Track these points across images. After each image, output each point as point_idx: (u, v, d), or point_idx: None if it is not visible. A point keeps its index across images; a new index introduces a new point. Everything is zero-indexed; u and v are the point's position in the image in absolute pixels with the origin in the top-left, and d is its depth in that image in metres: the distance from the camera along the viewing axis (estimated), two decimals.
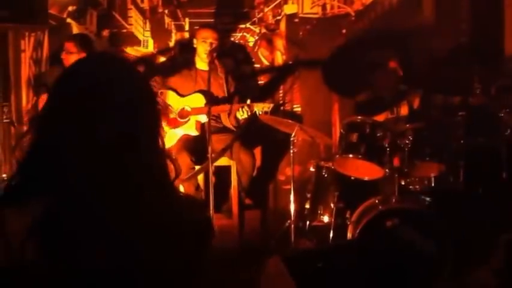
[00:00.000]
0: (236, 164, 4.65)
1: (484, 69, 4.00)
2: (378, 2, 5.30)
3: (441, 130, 3.88)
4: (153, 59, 5.47)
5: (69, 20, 5.21)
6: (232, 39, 5.64)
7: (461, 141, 3.68)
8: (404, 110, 4.38)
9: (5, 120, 3.61)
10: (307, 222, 4.28)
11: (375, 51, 4.61)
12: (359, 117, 3.99)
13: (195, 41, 4.76)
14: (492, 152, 3.91)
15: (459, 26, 4.85)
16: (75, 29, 5.29)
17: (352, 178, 4.10)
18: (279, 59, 5.58)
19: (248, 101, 4.47)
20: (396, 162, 3.84)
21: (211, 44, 4.61)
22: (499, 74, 4.07)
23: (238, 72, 5.29)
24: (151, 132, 1.23)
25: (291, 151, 4.19)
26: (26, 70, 4.41)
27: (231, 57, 5.40)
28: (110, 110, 1.17)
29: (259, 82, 5.59)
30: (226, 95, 4.78)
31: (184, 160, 4.42)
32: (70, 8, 5.24)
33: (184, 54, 5.28)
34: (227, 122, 4.72)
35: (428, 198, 3.81)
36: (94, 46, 4.82)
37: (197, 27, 5.03)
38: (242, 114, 4.48)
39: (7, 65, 3.99)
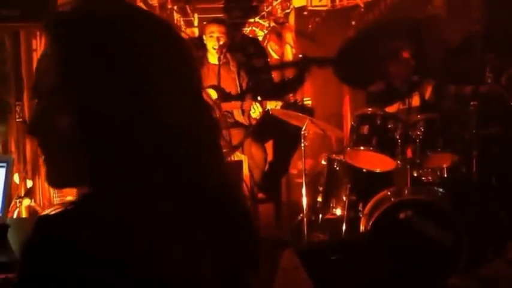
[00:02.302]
0: (248, 158, 4.66)
1: (497, 58, 3.96)
2: None
3: (453, 120, 3.86)
4: None
5: None
6: (243, 33, 5.64)
7: (474, 131, 3.64)
8: (416, 101, 4.35)
9: (17, 120, 3.64)
10: (320, 216, 4.27)
11: (387, 42, 4.58)
12: (370, 109, 3.98)
13: (204, 37, 4.77)
14: (505, 142, 3.88)
15: (471, 14, 4.80)
16: None
17: (364, 170, 4.08)
18: (289, 52, 5.56)
19: (259, 98, 4.49)
20: (408, 153, 3.82)
21: (218, 38, 4.61)
22: None
23: (250, 65, 5.29)
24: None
25: (302, 144, 4.18)
26: None
27: (243, 51, 5.40)
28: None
29: (271, 76, 5.59)
30: (238, 89, 4.78)
31: None
32: None
33: (195, 50, 5.29)
34: (240, 118, 4.74)
35: (441, 189, 3.79)
36: None
37: (205, 23, 5.04)
38: (254, 112, 4.50)
39: (19, 64, 4.02)
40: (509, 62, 3.95)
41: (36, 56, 4.42)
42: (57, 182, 0.97)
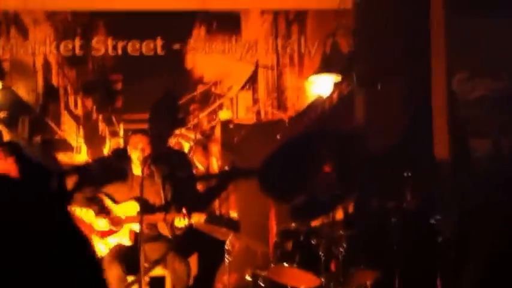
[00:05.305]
0: (171, 273, 4.49)
1: (415, 174, 4.08)
2: (311, 108, 5.46)
3: (375, 236, 3.89)
4: (86, 167, 5.36)
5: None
6: (168, 144, 5.63)
7: (395, 247, 3.68)
8: (340, 214, 4.39)
9: None
10: None
11: (309, 156, 4.67)
12: (293, 224, 3.98)
13: (128, 147, 4.72)
14: (426, 257, 3.92)
15: (390, 131, 4.98)
16: (6, 135, 5.17)
17: (289, 287, 4.01)
18: (214, 165, 5.58)
19: (184, 210, 4.41)
20: (332, 267, 3.81)
21: (142, 149, 4.56)
22: (430, 178, 4.17)
23: (176, 178, 5.24)
24: None
25: (226, 260, 4.09)
26: None
27: (168, 163, 5.35)
28: None
29: (197, 188, 5.55)
30: (163, 201, 4.69)
31: (115, 272, 4.24)
32: (1, 114, 5.15)
33: (119, 162, 5.20)
34: (164, 231, 4.60)
35: None
36: (25, 152, 4.70)
37: (130, 133, 5.00)
38: (180, 222, 4.41)
39: None
40: (428, 179, 4.08)
41: None
42: None
